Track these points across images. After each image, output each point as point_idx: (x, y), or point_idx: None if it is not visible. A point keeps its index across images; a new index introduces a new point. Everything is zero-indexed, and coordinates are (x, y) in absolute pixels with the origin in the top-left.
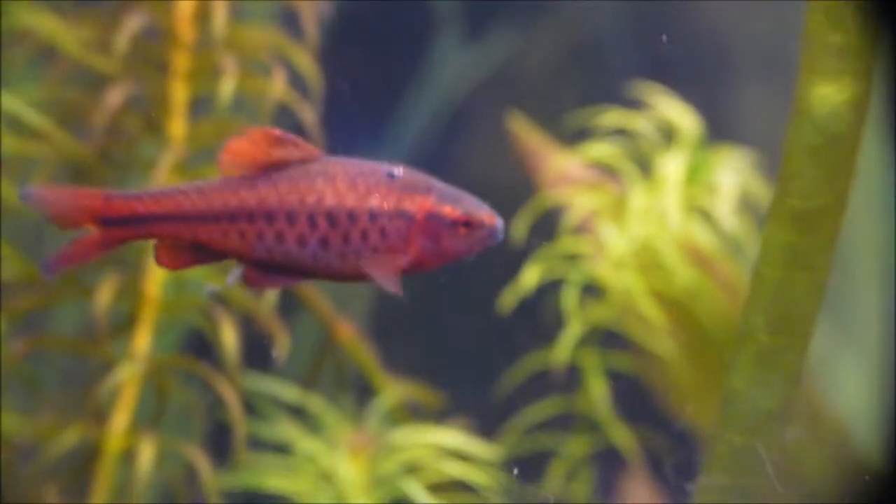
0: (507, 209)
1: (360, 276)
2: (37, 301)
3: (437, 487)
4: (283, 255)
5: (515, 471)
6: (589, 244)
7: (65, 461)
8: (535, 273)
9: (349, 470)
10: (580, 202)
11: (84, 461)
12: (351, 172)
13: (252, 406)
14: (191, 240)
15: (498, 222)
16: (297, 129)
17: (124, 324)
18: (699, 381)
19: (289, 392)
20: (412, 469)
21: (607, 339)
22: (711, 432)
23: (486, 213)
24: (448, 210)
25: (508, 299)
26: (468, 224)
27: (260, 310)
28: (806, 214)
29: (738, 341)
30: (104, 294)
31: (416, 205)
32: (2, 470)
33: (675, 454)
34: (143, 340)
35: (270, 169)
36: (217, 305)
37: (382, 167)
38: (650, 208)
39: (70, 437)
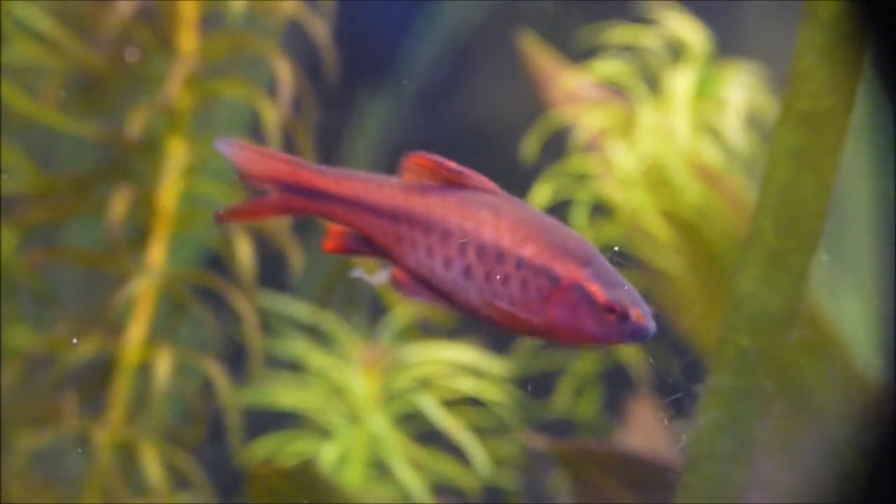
0: (516, 134)
1: (495, 322)
2: (49, 213)
3: (450, 403)
4: (429, 271)
5: (529, 387)
6: (598, 163)
7: (81, 374)
8: (545, 192)
9: (362, 385)
10: (589, 120)
11: (101, 374)
12: (520, 215)
13: (266, 325)
14: (356, 228)
15: (648, 323)
16: (309, 46)
17: (139, 239)
18: (706, 298)
19: (302, 310)
20: (425, 385)
21: (616, 258)
22: (719, 335)
23: (636, 309)
24: (595, 289)
25: None
26: (611, 311)
27: (274, 228)
28: (814, 115)
29: (745, 245)
30: (118, 206)
31: (567, 271)
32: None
33: (681, 366)
34: (157, 254)
35: (449, 184)
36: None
37: (557, 222)
38: (658, 125)
39: (85, 349)
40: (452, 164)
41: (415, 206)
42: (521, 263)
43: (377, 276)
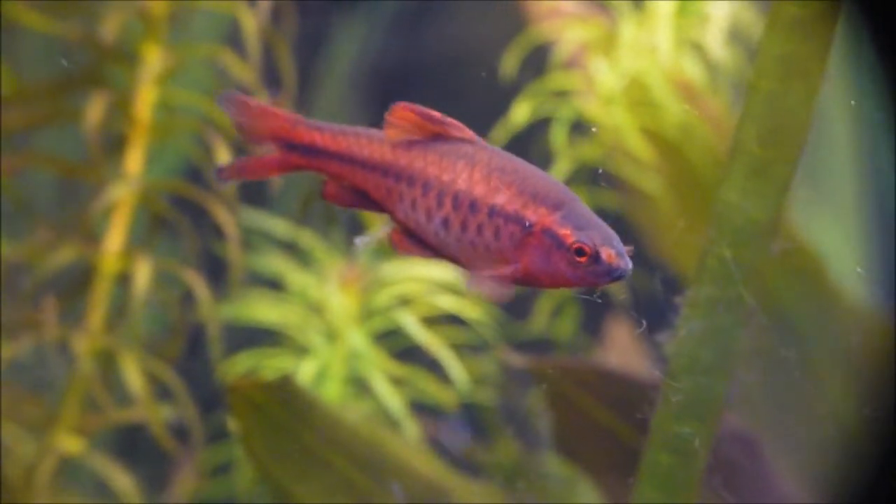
0: (496, 51)
1: (475, 270)
2: (23, 119)
3: (429, 320)
4: (415, 224)
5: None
6: (579, 80)
7: (59, 282)
8: (524, 109)
9: (340, 302)
10: (570, 36)
11: (79, 283)
12: (494, 164)
13: (244, 241)
14: (352, 183)
15: (621, 262)
16: None
17: (116, 147)
18: (686, 217)
19: (280, 226)
20: (403, 302)
21: (595, 176)
22: (701, 246)
23: (607, 249)
24: (565, 233)
25: (499, 136)
26: (581, 253)
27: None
28: (802, 21)
29: (730, 155)
30: (94, 113)
31: (538, 216)
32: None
33: (660, 283)
34: (134, 163)
35: (432, 136)
36: (211, 130)
37: (534, 169)
38: (641, 41)
39: (63, 257)
40: (436, 114)
41: (400, 160)
42: (493, 211)
43: (377, 233)
